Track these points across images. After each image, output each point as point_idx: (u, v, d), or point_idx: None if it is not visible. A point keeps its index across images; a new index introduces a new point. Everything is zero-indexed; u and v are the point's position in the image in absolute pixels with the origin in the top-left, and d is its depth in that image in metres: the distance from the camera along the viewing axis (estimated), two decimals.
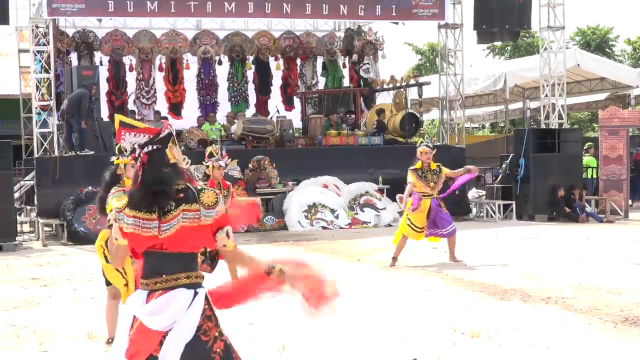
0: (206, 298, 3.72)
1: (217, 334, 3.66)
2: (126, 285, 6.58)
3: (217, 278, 5.09)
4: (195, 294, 3.68)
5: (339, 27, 23.54)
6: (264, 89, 22.09)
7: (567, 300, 8.48)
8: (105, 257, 6.63)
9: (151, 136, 3.74)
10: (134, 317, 3.72)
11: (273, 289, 3.87)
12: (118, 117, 3.87)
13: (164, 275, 3.67)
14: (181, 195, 3.70)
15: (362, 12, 19.27)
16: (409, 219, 11.25)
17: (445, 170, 11.33)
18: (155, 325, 3.62)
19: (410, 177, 11.18)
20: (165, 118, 19.67)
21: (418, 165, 11.19)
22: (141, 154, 3.73)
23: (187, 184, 3.76)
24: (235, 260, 3.89)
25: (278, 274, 3.81)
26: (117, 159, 6.61)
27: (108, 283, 6.81)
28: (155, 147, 3.73)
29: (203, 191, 3.74)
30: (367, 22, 21.63)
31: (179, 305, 3.62)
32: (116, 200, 6.34)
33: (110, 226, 3.83)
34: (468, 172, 11.57)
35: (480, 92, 27.28)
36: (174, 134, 3.84)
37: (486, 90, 25.83)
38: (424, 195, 11.17)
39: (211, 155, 9.74)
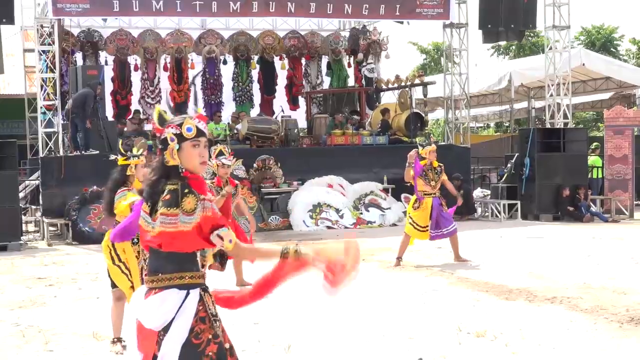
0: (201, 299, 3.63)
1: (210, 336, 3.58)
2: (132, 287, 6.48)
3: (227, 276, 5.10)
4: (187, 294, 3.61)
5: (343, 27, 23.54)
6: (268, 89, 22.09)
7: (573, 300, 8.46)
8: (112, 258, 6.55)
9: (158, 135, 3.77)
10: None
11: (292, 272, 3.76)
12: (157, 110, 3.87)
13: (160, 274, 3.64)
14: (167, 197, 3.59)
15: (366, 11, 19.25)
16: (411, 218, 11.30)
17: (444, 176, 11.39)
18: (147, 323, 3.60)
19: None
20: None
21: (422, 162, 11.23)
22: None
23: (184, 185, 3.62)
24: (241, 256, 3.78)
25: (294, 255, 3.73)
26: (124, 158, 6.59)
27: (114, 285, 6.70)
28: (160, 146, 3.75)
29: (187, 196, 3.58)
30: (371, 21, 21.63)
31: (170, 305, 3.58)
32: (122, 200, 6.32)
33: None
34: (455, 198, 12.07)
35: (485, 92, 27.26)
36: (189, 134, 3.69)
37: (491, 89, 25.82)
38: (425, 194, 11.23)
39: (221, 153, 9.72)
